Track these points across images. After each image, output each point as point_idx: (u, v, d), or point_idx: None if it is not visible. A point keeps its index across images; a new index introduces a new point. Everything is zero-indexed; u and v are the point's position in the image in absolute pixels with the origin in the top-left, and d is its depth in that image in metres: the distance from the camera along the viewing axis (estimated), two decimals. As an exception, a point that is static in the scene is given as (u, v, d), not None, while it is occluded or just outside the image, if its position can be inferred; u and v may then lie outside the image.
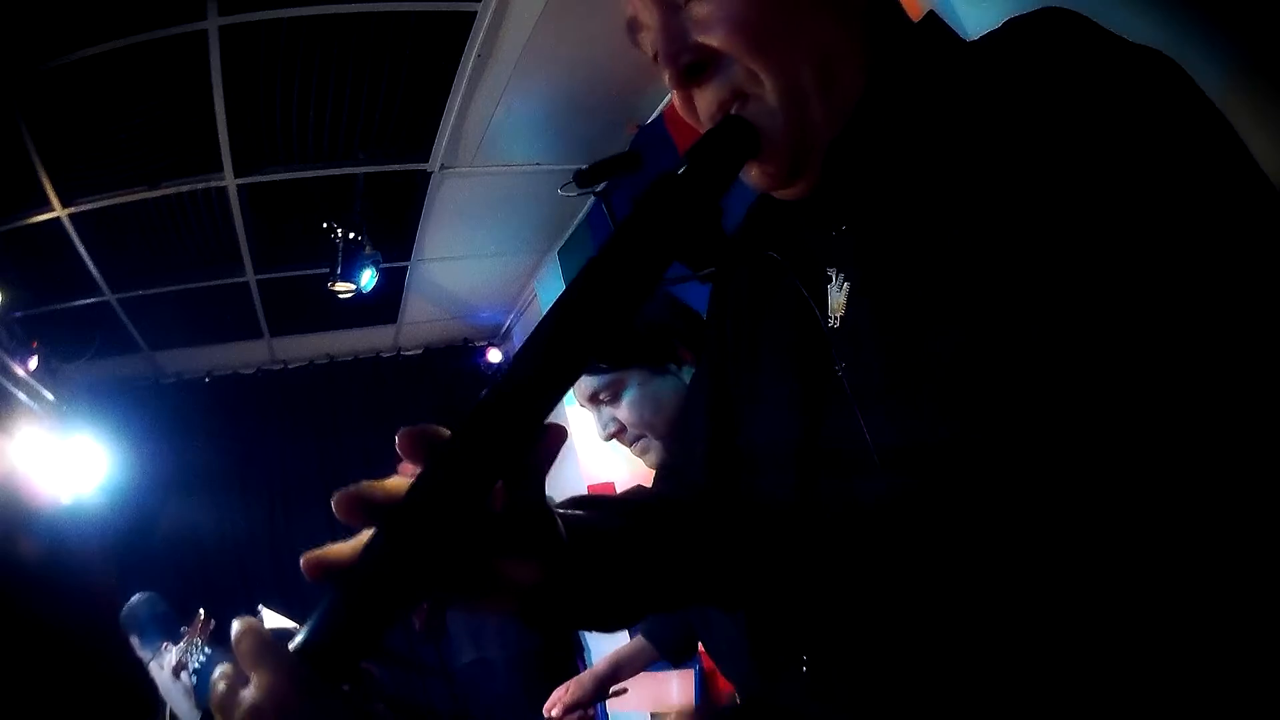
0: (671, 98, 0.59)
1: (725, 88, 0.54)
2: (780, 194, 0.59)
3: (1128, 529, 0.41)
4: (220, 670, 0.40)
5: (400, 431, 0.42)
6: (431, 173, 2.96)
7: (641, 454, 1.33)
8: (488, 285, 4.10)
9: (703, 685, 2.28)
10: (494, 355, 4.55)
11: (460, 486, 0.41)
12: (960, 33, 0.58)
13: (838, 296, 0.56)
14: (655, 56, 0.57)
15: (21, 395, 3.13)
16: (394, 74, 2.45)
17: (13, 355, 3.05)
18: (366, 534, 0.42)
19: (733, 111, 0.54)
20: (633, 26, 0.59)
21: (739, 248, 0.69)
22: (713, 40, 0.53)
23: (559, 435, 0.46)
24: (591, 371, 1.31)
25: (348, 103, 2.54)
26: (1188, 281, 0.40)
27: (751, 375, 0.65)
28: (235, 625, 0.40)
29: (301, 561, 0.42)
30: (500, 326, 4.68)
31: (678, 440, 0.80)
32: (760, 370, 0.64)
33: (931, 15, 0.58)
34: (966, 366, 0.45)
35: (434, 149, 2.83)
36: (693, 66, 0.54)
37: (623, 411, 1.30)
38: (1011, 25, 0.51)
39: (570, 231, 3.61)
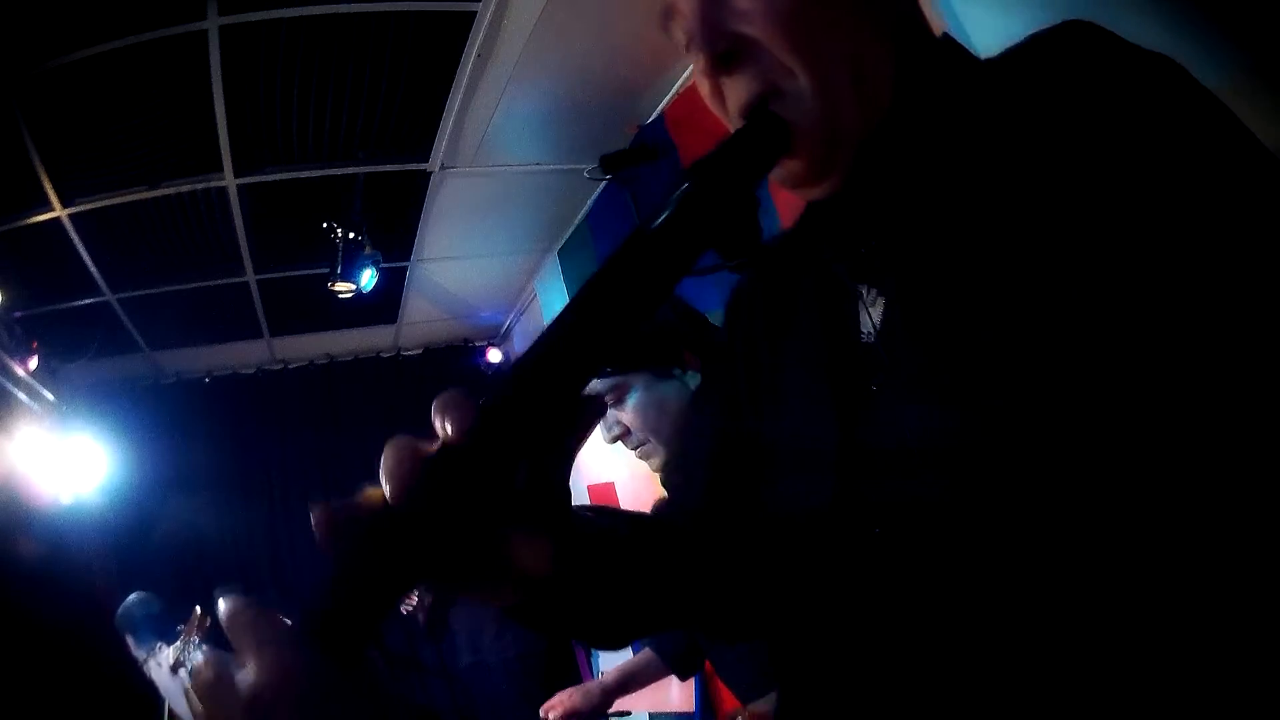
0: (698, 86, 0.59)
1: (758, 80, 0.54)
2: (803, 193, 0.59)
3: (1170, 532, 0.40)
4: (203, 655, 0.37)
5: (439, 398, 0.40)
6: (431, 173, 2.96)
7: (645, 458, 1.33)
8: (488, 285, 4.10)
9: (703, 689, 2.28)
10: (494, 355, 4.55)
11: (492, 452, 0.39)
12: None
13: (871, 313, 0.56)
14: (687, 45, 0.57)
15: (21, 395, 3.13)
16: (394, 74, 2.45)
17: (13, 355, 3.05)
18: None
19: (765, 106, 0.54)
20: (667, 13, 0.58)
21: (783, 257, 0.68)
22: (751, 30, 0.53)
23: (597, 408, 0.45)
24: (599, 374, 1.32)
25: (348, 103, 2.54)
26: (1211, 278, 0.41)
27: (774, 396, 0.64)
28: (224, 603, 0.37)
29: (314, 516, 0.39)
30: (500, 326, 4.68)
31: (679, 467, 0.78)
32: (784, 391, 0.63)
33: (946, 35, 0.60)
34: (1004, 375, 0.45)
35: (434, 149, 2.83)
36: (726, 55, 0.54)
37: (628, 415, 1.30)
38: (1034, 39, 0.52)
39: (570, 231, 3.61)
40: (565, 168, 3.11)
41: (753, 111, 0.54)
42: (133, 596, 3.00)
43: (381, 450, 0.40)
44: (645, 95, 2.75)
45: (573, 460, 0.47)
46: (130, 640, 2.87)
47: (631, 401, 1.30)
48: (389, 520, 0.38)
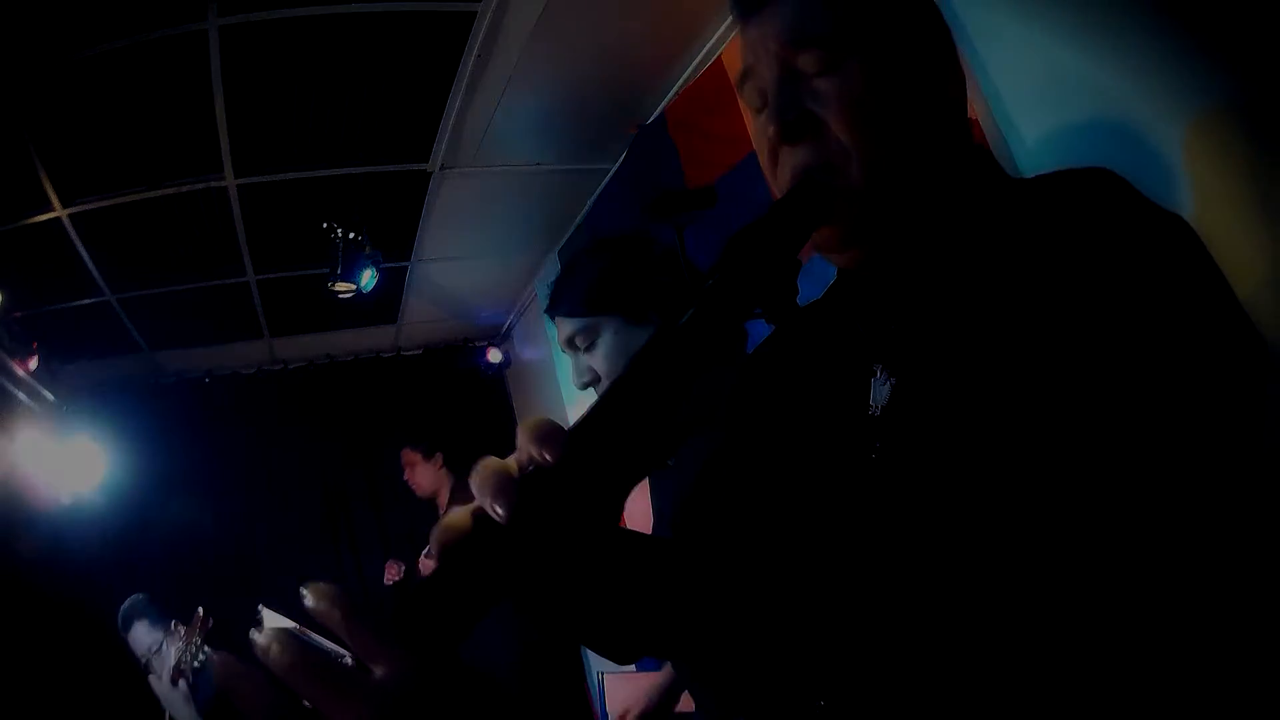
0: (757, 148, 0.65)
1: (817, 154, 0.59)
2: (825, 256, 0.64)
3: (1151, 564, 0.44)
4: (293, 648, 0.35)
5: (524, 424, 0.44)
6: (431, 173, 2.96)
7: None
8: (488, 285, 4.10)
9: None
10: (494, 355, 4.55)
11: (587, 478, 0.44)
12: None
13: (882, 390, 0.60)
14: (759, 108, 0.64)
15: (21, 395, 3.13)
16: (394, 74, 2.45)
17: (13, 355, 3.05)
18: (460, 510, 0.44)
19: (813, 177, 0.59)
20: (744, 76, 0.64)
21: (819, 315, 0.72)
22: (822, 111, 0.59)
23: (658, 458, 0.49)
24: (570, 314, 1.29)
25: (348, 103, 2.54)
26: (1164, 411, 0.46)
27: (782, 431, 0.67)
28: (319, 596, 0.37)
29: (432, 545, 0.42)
30: (500, 326, 4.68)
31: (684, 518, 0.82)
32: (792, 432, 0.67)
33: (983, 147, 0.66)
34: (987, 477, 0.48)
35: (434, 149, 2.83)
36: (795, 127, 0.59)
37: (597, 360, 1.26)
38: (1063, 176, 0.57)
39: (570, 232, 3.61)
40: (565, 168, 3.11)
41: (802, 179, 0.59)
42: (131, 598, 3.00)
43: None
44: (646, 95, 2.75)
45: (631, 488, 0.51)
46: (131, 641, 2.87)
47: (601, 346, 1.25)
48: (496, 534, 0.42)
